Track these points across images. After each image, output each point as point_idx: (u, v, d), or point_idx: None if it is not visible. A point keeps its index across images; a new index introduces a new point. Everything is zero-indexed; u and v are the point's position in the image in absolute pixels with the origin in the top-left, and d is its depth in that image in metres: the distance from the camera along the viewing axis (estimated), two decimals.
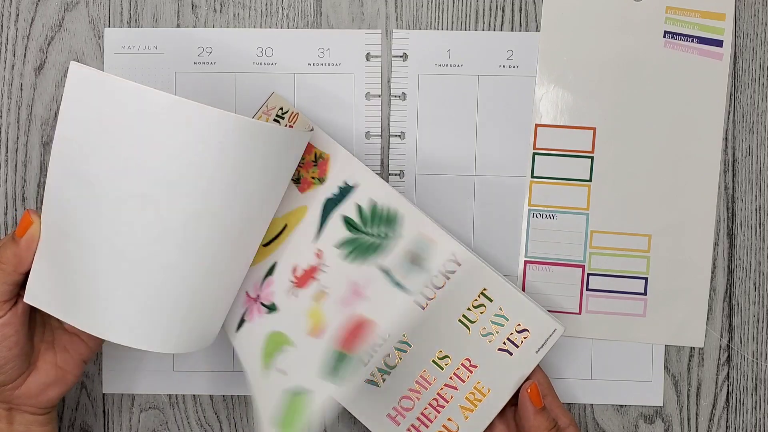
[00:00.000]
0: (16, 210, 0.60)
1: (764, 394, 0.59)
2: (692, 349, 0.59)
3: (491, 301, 0.54)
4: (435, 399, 0.55)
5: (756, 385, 0.59)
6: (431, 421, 0.55)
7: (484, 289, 0.54)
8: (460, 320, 0.55)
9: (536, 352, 0.54)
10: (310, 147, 0.56)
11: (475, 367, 0.55)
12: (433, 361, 0.55)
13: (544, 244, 0.59)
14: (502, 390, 0.54)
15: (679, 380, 0.59)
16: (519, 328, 0.54)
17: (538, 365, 0.55)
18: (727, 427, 0.60)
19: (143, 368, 0.60)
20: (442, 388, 0.55)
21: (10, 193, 0.60)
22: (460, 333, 0.55)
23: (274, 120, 0.58)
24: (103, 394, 0.60)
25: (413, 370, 0.55)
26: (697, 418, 0.59)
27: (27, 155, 0.60)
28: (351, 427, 0.60)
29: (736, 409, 0.59)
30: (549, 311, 0.55)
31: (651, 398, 0.59)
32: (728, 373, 0.59)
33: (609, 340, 0.59)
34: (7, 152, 0.60)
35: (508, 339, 0.54)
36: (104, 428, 0.60)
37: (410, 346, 0.55)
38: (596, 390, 0.59)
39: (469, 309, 0.55)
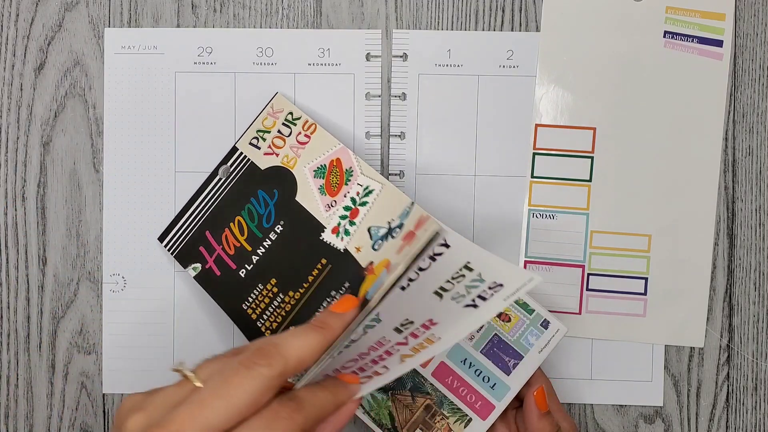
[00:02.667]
0: (15, 210, 0.60)
1: (764, 394, 0.59)
2: (692, 349, 0.59)
3: (471, 270, 0.47)
4: (380, 355, 0.48)
5: (756, 385, 0.59)
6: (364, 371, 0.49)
7: (468, 263, 0.46)
8: (436, 291, 0.47)
9: (539, 352, 0.54)
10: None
11: (435, 324, 0.47)
12: (395, 328, 0.48)
13: (544, 244, 0.59)
14: (455, 337, 0.47)
15: (679, 380, 0.59)
16: (493, 285, 0.46)
17: (539, 368, 0.54)
18: (727, 427, 0.60)
19: (143, 368, 0.60)
20: (393, 346, 0.48)
21: (10, 193, 0.60)
22: (431, 301, 0.47)
23: (284, 124, 0.57)
24: (103, 394, 0.60)
25: (372, 339, 0.48)
26: (697, 418, 0.59)
27: (27, 155, 0.60)
28: (351, 428, 0.60)
29: (736, 409, 0.59)
30: (549, 311, 0.55)
31: (651, 398, 0.59)
32: (728, 373, 0.59)
33: (609, 340, 0.59)
34: (7, 152, 0.60)
35: (478, 296, 0.47)
36: (104, 428, 0.60)
37: (379, 321, 0.47)
38: (596, 390, 0.59)
39: (447, 281, 0.47)
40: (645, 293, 0.59)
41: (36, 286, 0.60)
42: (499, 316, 0.55)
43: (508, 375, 0.55)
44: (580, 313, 0.59)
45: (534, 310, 0.55)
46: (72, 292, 0.60)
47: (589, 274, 0.59)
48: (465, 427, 0.55)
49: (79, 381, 0.60)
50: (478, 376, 0.55)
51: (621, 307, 0.59)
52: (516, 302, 0.54)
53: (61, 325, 0.60)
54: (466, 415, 0.55)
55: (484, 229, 0.59)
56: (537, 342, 0.54)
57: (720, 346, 0.59)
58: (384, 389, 0.55)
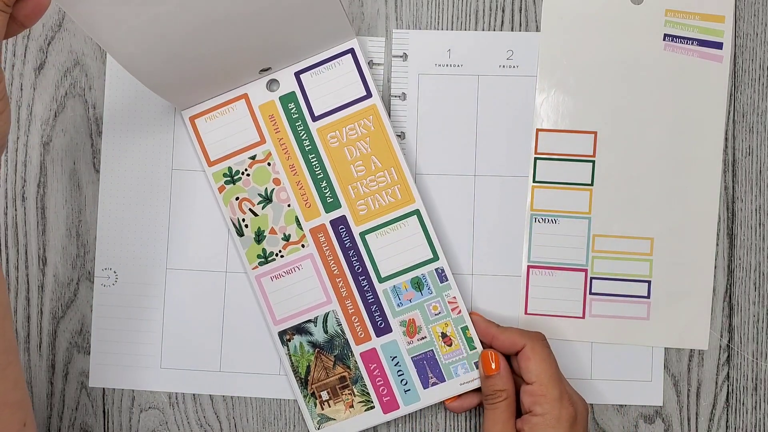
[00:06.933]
0: (15, 210, 0.60)
1: (764, 394, 0.60)
2: (692, 349, 0.59)
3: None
4: None
5: (756, 385, 0.60)
6: None
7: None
8: None
9: (461, 384, 0.57)
10: None
11: None
12: None
13: (546, 249, 0.59)
14: None
15: (679, 380, 0.59)
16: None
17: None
18: (727, 427, 0.60)
19: (130, 364, 0.60)
20: None
21: (10, 193, 0.60)
22: None
23: None
24: (104, 395, 0.60)
25: None
26: (697, 418, 0.60)
27: (27, 155, 0.60)
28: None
29: (736, 409, 0.60)
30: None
31: (651, 398, 0.59)
32: (728, 373, 0.60)
33: (613, 344, 0.59)
34: (7, 152, 0.60)
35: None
36: (104, 428, 0.60)
37: None
38: (596, 390, 0.59)
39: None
40: (648, 296, 0.59)
41: (36, 286, 0.60)
42: (444, 337, 0.57)
43: (425, 389, 0.57)
44: (583, 317, 0.59)
45: (475, 348, 0.57)
46: (72, 292, 0.60)
47: (591, 278, 0.59)
48: (365, 410, 0.57)
49: (79, 381, 0.60)
50: (399, 376, 0.57)
51: (624, 311, 0.59)
52: (464, 334, 0.57)
53: (61, 325, 0.60)
54: (371, 402, 0.57)
55: (485, 231, 0.59)
56: (463, 375, 0.57)
57: (720, 346, 0.60)
58: (314, 345, 0.58)
